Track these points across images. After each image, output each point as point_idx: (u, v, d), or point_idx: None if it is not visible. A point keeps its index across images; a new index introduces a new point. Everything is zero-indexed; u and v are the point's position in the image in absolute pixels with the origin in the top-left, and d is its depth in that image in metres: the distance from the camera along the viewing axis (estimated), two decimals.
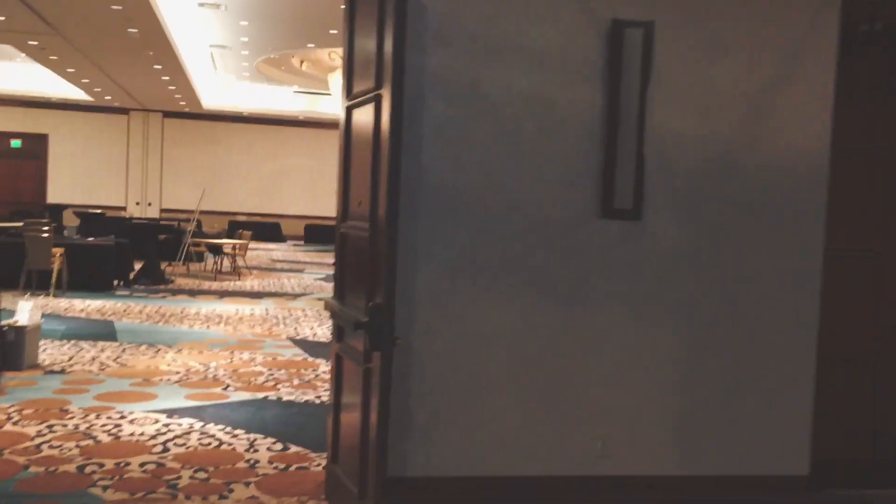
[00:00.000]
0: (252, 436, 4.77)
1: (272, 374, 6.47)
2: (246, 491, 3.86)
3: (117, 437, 4.62)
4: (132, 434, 4.70)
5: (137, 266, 12.50)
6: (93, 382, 5.92)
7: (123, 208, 27.58)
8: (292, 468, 4.23)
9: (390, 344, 3.06)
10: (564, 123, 3.37)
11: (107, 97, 24.48)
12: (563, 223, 3.38)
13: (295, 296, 11.98)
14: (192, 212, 28.02)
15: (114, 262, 11.48)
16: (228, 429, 4.90)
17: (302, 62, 22.40)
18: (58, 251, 10.53)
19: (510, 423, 3.37)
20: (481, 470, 3.35)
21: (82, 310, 9.45)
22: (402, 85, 3.05)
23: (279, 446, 4.60)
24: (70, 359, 6.70)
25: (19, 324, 6.12)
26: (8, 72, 20.12)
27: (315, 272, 16.10)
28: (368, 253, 3.20)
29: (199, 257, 15.92)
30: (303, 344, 7.94)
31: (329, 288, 13.22)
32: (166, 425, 4.91)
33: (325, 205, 29.84)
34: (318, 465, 4.29)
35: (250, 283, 13.46)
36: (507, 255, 3.34)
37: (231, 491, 3.85)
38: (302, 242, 27.04)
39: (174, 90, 22.71)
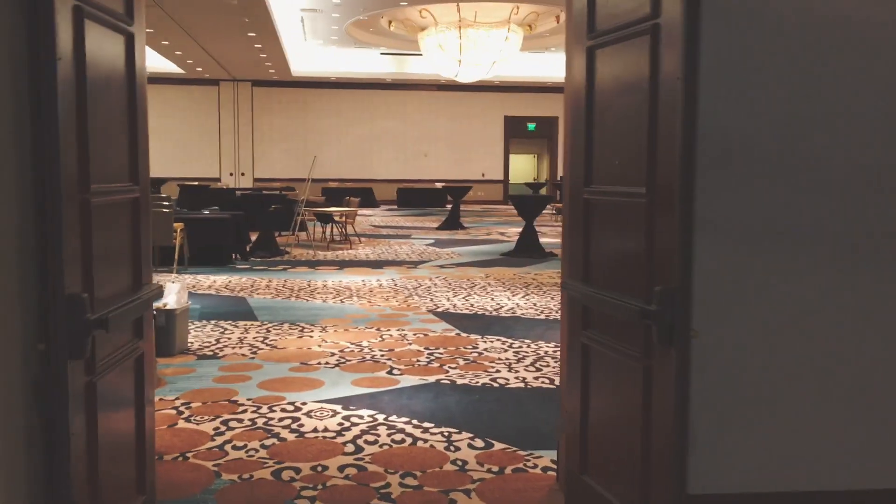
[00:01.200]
0: (444, 429, 4.27)
1: (432, 354, 5.97)
2: (470, 502, 3.35)
3: (301, 435, 4.17)
4: (315, 430, 4.24)
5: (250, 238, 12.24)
6: (250, 368, 5.52)
7: (217, 179, 27.69)
8: (508, 470, 3.70)
9: (686, 338, 2.47)
10: (891, 46, 2.67)
11: (198, 69, 24.43)
12: (892, 175, 2.70)
13: (414, 264, 11.51)
14: (283, 181, 27.97)
15: (232, 235, 11.21)
16: (415, 421, 4.40)
17: (391, 23, 21.81)
18: (178, 226, 10.30)
19: (820, 426, 2.74)
20: (785, 484, 2.74)
21: (209, 286, 9.17)
22: (699, 4, 2.41)
23: (480, 443, 4.07)
24: (217, 341, 6.34)
25: (168, 307, 5.77)
26: None
27: (422, 237, 15.62)
28: (644, 225, 2.59)
29: (304, 226, 15.63)
30: (447, 317, 7.44)
31: (443, 254, 12.71)
32: (346, 418, 4.45)
33: (416, 168, 29.39)
34: (535, 466, 3.76)
35: (364, 251, 13.06)
36: (814, 219, 2.68)
37: (453, 502, 3.34)
38: (395, 207, 26.65)
39: (265, 58, 22.43)
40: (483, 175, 29.63)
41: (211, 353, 5.96)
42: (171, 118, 27.39)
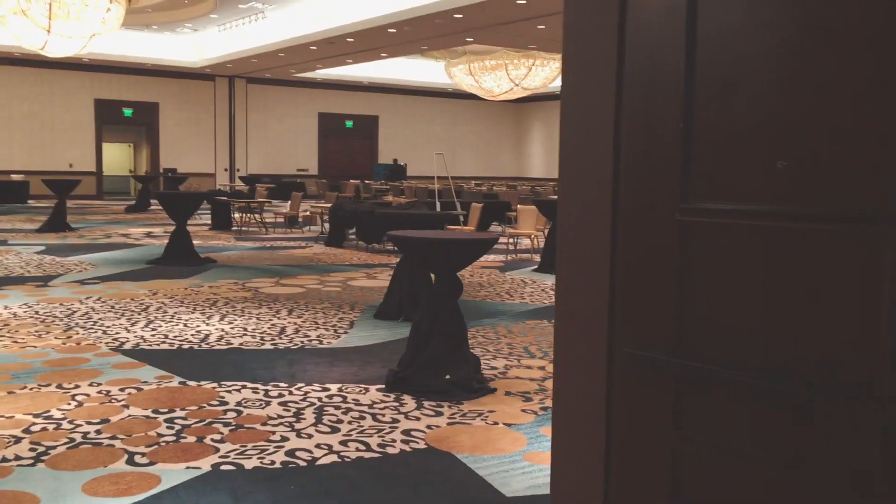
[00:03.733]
0: None
1: (173, 421, 4.26)
2: None
3: None
4: None
5: None
6: None
7: None
8: None
9: None
10: None
11: None
12: None
13: (43, 280, 9.01)
14: None
15: None
16: None
17: None
18: None
19: None
20: None
21: None
22: None
23: None
24: None
25: None
26: None
27: (25, 243, 12.65)
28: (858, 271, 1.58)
29: None
30: (148, 358, 5.59)
31: (71, 265, 10.27)
32: None
33: None
34: None
35: None
36: None
37: None
38: None
39: None
40: (70, 166, 25.81)
41: None
42: None
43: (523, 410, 4.56)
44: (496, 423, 4.32)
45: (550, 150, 32.84)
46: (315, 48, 20.88)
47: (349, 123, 30.66)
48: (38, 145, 25.41)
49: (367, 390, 4.92)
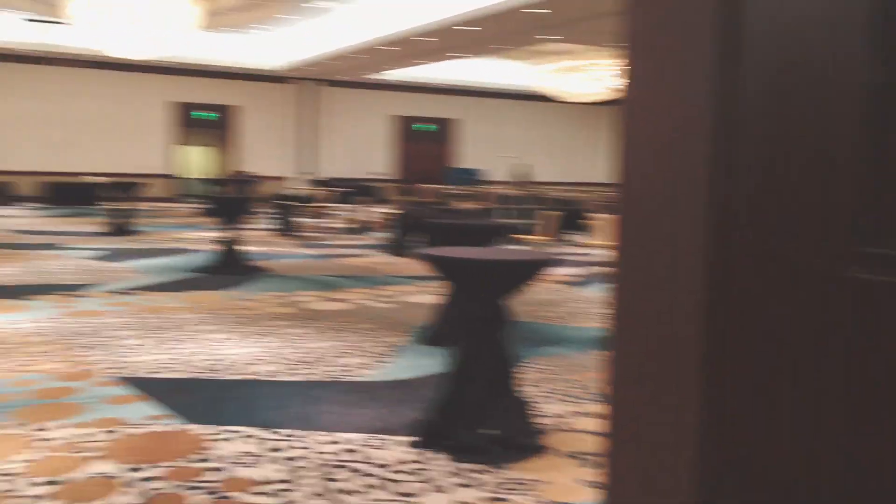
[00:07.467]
0: None
1: (134, 485, 3.45)
2: None
3: None
4: None
5: None
6: None
7: None
8: None
9: None
10: None
11: None
12: None
13: (79, 288, 8.46)
14: None
15: None
16: None
17: None
18: None
19: None
20: None
21: None
22: None
23: None
24: None
25: None
26: None
27: (82, 247, 12.27)
28: None
29: None
30: (149, 388, 4.83)
31: (119, 273, 9.71)
32: None
33: (72, 158, 24.71)
34: None
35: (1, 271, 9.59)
36: None
37: None
38: (40, 204, 22.15)
39: None
40: (144, 170, 25.79)
41: None
42: None
43: (578, 481, 3.57)
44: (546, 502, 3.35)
45: None
46: (399, 48, 20.17)
47: (426, 126, 29.93)
48: (113, 148, 25.51)
49: (389, 444, 4.02)
